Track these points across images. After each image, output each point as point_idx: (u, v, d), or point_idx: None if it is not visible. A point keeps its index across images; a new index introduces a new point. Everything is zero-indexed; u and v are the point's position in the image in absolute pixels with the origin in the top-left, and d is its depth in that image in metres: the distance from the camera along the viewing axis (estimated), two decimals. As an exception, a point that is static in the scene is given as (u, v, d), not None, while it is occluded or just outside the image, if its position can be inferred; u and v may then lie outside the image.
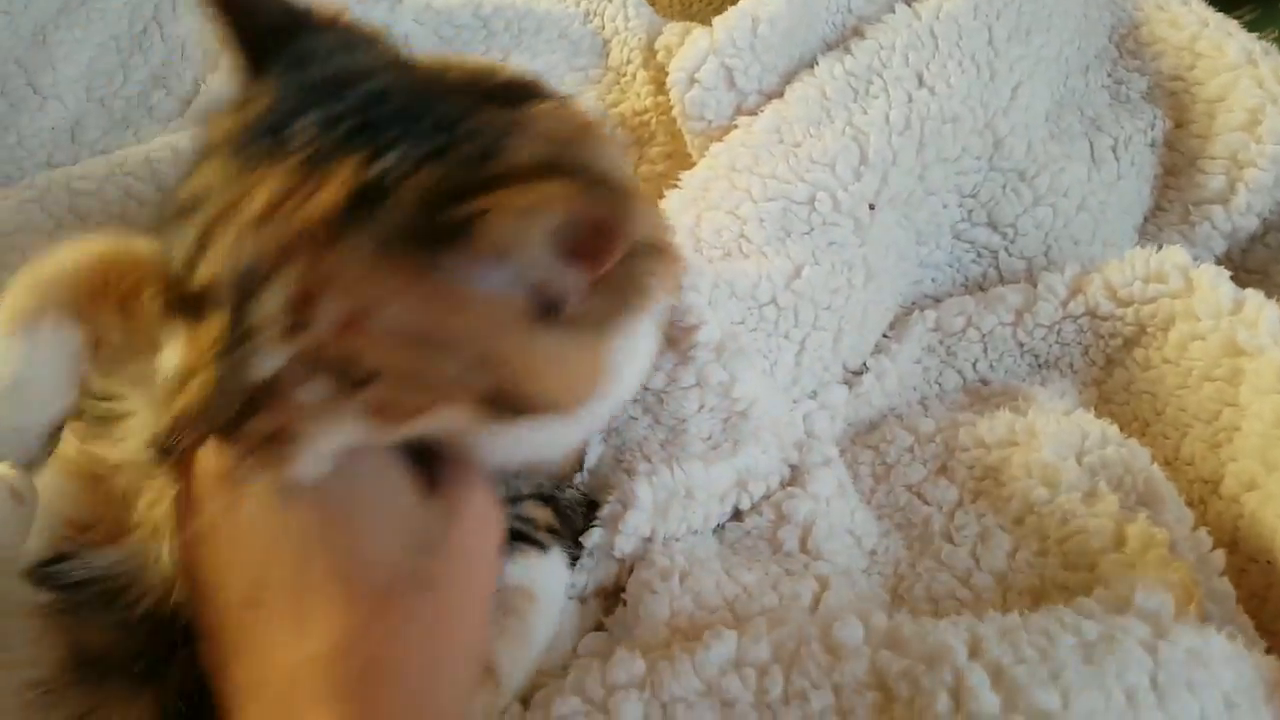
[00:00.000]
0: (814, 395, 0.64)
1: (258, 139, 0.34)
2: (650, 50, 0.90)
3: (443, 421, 0.36)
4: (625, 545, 0.52)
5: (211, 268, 0.33)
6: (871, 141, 0.64)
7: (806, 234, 0.63)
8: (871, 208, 0.64)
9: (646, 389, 0.57)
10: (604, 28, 0.95)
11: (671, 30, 0.89)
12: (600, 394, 0.40)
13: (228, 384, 0.33)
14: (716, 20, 0.74)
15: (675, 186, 0.69)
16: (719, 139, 0.70)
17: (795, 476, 0.59)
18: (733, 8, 0.74)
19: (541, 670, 0.48)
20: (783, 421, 0.60)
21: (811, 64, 0.70)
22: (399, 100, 0.35)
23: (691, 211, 0.65)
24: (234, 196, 0.33)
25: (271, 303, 0.32)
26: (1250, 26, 0.80)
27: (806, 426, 0.61)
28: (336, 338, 0.33)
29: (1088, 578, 0.51)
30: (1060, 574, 0.52)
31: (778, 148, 0.66)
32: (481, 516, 0.41)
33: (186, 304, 0.34)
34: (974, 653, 0.40)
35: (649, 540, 0.53)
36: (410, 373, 0.34)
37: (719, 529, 0.58)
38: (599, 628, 0.51)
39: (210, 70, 0.89)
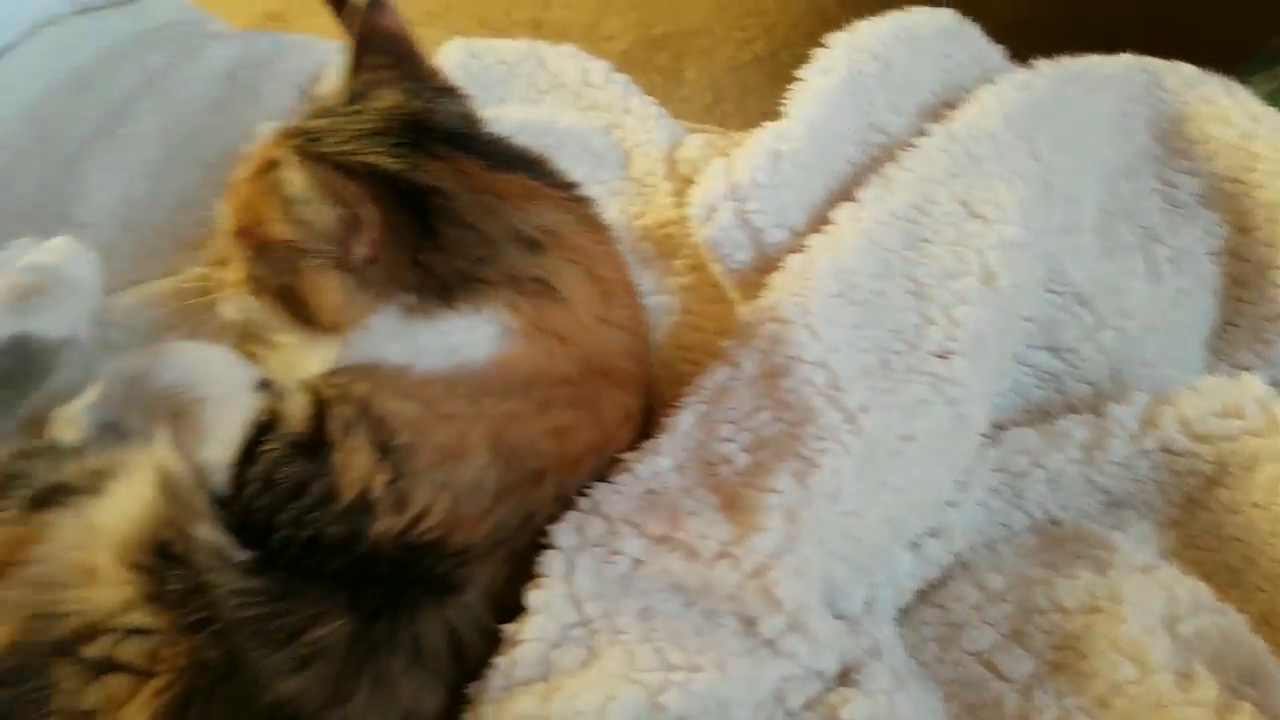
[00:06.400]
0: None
1: None
2: (671, 161, 0.88)
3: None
4: None
5: None
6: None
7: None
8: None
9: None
10: (625, 139, 0.93)
11: (692, 142, 0.87)
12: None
13: None
14: (736, 151, 0.71)
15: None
16: (752, 278, 0.67)
17: (842, 673, 0.53)
18: (753, 139, 0.71)
19: None
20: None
21: (849, 195, 0.67)
22: None
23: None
24: None
25: None
26: (1270, 98, 0.74)
27: (866, 602, 0.56)
28: None
29: (1191, 782, 0.46)
30: (1159, 775, 0.47)
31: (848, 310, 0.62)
32: None
33: None
34: None
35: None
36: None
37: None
38: None
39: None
